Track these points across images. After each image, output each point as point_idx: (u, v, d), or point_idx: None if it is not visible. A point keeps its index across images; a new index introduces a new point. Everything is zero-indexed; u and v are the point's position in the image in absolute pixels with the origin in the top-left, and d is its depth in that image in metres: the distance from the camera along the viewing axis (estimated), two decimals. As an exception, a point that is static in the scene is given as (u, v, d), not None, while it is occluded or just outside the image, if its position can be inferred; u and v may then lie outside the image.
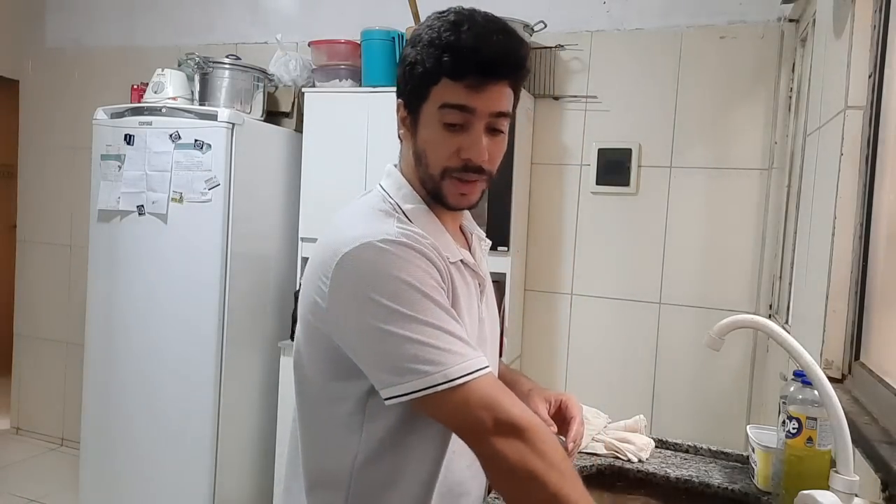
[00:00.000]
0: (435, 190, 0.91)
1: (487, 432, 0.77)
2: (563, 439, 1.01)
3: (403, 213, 0.91)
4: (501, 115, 0.89)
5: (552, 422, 1.04)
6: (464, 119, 0.86)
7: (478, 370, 0.79)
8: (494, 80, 0.86)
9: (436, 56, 0.84)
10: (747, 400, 2.33)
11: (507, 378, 1.15)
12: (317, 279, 0.86)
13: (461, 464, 0.94)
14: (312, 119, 2.54)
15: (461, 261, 0.94)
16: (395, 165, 0.98)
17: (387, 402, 0.80)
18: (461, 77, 0.84)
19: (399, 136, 0.96)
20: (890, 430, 0.99)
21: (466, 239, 1.04)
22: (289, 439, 1.01)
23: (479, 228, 1.08)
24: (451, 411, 0.79)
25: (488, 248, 1.10)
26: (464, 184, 0.89)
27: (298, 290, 2.51)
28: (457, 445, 0.88)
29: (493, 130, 0.89)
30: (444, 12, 0.87)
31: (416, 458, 0.90)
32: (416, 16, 2.54)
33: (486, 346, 0.99)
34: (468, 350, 0.81)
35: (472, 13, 0.87)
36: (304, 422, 0.96)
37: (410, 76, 0.88)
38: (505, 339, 2.37)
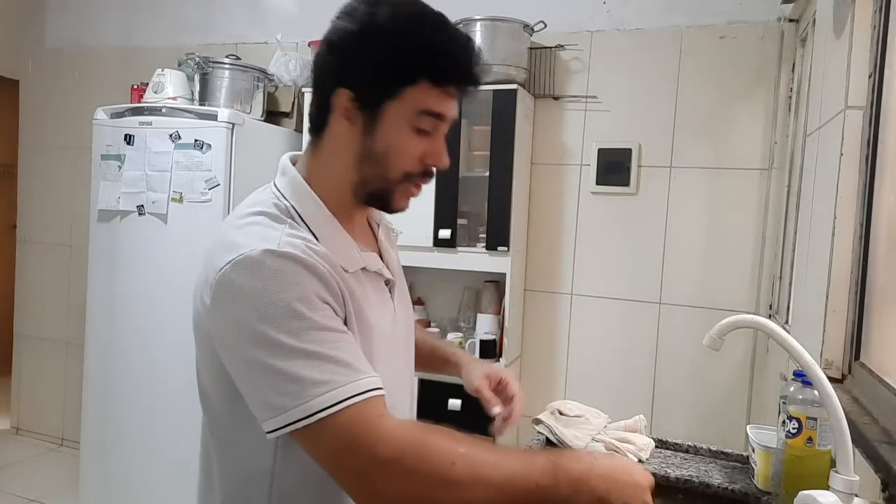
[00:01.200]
0: (384, 192, 0.85)
1: (360, 475, 0.70)
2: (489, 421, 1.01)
3: (299, 216, 0.82)
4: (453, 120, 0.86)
5: (497, 399, 1.04)
6: (434, 126, 0.82)
7: (345, 400, 0.69)
8: (471, 91, 0.83)
9: (423, 57, 0.78)
10: (747, 400, 2.33)
11: (439, 353, 1.14)
12: (200, 291, 0.79)
13: None
14: (312, 119, 2.54)
15: (363, 268, 0.86)
16: (290, 160, 0.88)
17: (268, 437, 0.72)
18: (445, 84, 0.80)
19: (316, 127, 0.85)
20: (890, 430, 0.99)
21: (373, 231, 0.98)
22: (199, 453, 0.92)
23: (386, 217, 0.99)
24: (318, 451, 0.71)
25: (398, 238, 1.03)
26: (416, 188, 0.86)
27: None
28: None
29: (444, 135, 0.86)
30: (407, 4, 0.81)
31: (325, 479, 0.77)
32: (416, 16, 2.54)
33: (399, 341, 0.95)
34: (341, 376, 0.71)
35: (440, 13, 0.82)
36: (216, 438, 0.86)
37: (375, 69, 0.79)
38: (505, 339, 2.37)
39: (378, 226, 0.99)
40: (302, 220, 0.82)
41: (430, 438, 0.71)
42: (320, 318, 0.73)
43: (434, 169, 0.85)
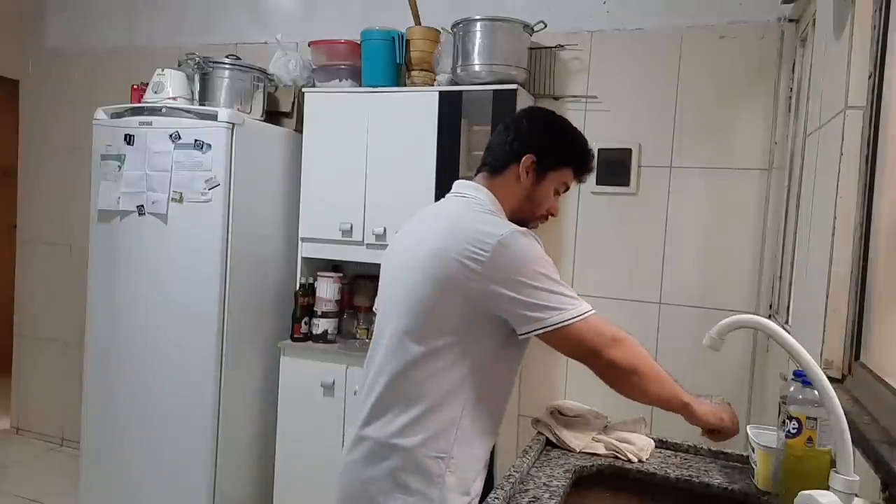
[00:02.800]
0: (526, 219, 1.30)
1: (602, 348, 1.16)
2: None
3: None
4: None
5: None
6: (562, 192, 1.35)
7: (591, 311, 1.16)
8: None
9: (578, 157, 1.32)
10: (747, 400, 2.33)
11: None
12: (467, 250, 1.14)
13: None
14: (312, 119, 2.54)
15: None
16: (479, 184, 1.30)
17: (521, 337, 1.16)
18: (580, 175, 1.34)
19: (499, 168, 1.30)
20: (890, 430, 0.99)
21: None
22: (368, 407, 1.24)
23: None
24: (577, 337, 1.15)
25: None
26: (537, 224, 1.34)
27: (298, 290, 2.53)
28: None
29: None
30: (570, 124, 1.38)
31: (498, 393, 1.27)
32: (416, 16, 2.54)
33: None
34: (582, 300, 1.17)
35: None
36: (405, 370, 1.20)
37: (552, 150, 1.30)
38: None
39: None
40: None
41: (633, 338, 1.21)
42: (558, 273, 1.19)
43: (549, 216, 1.36)
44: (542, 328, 1.13)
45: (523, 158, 1.28)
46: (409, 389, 1.20)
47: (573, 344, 1.16)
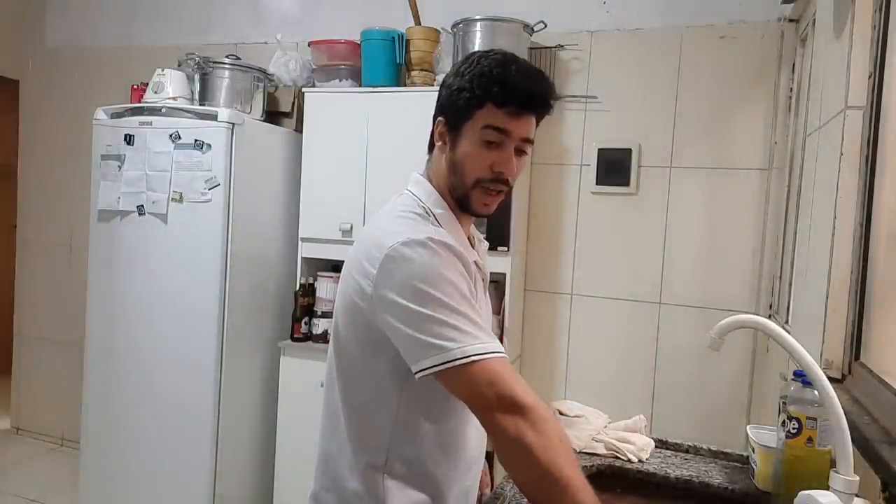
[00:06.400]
0: (464, 197, 1.05)
1: (492, 406, 0.88)
2: None
3: (434, 216, 1.04)
4: (528, 140, 1.03)
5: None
6: (500, 139, 1.01)
7: (491, 352, 0.90)
8: (529, 112, 1.01)
9: (486, 85, 0.99)
10: (747, 400, 2.33)
11: None
12: (362, 265, 0.98)
13: (476, 434, 1.08)
14: (312, 119, 2.54)
15: (475, 261, 1.05)
16: (422, 175, 1.11)
17: (417, 377, 0.91)
18: (505, 105, 0.99)
19: (430, 149, 1.11)
20: (890, 430, 0.99)
21: (471, 242, 1.15)
22: (322, 427, 1.09)
23: (478, 232, 1.22)
24: (463, 385, 0.90)
25: (486, 248, 1.22)
26: (490, 195, 1.04)
27: (298, 290, 2.53)
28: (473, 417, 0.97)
29: (518, 151, 1.03)
30: (489, 52, 1.04)
31: (444, 426, 1.04)
32: (416, 16, 2.54)
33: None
34: (485, 336, 0.92)
35: (515, 56, 1.04)
36: (346, 395, 1.05)
37: (456, 98, 1.03)
38: (505, 339, 2.37)
39: (474, 238, 1.17)
40: (436, 219, 1.04)
41: (548, 412, 0.89)
42: (466, 291, 0.95)
43: (506, 177, 1.03)
44: (425, 369, 0.90)
45: (436, 126, 1.08)
46: (335, 430, 1.06)
47: (458, 390, 0.91)
